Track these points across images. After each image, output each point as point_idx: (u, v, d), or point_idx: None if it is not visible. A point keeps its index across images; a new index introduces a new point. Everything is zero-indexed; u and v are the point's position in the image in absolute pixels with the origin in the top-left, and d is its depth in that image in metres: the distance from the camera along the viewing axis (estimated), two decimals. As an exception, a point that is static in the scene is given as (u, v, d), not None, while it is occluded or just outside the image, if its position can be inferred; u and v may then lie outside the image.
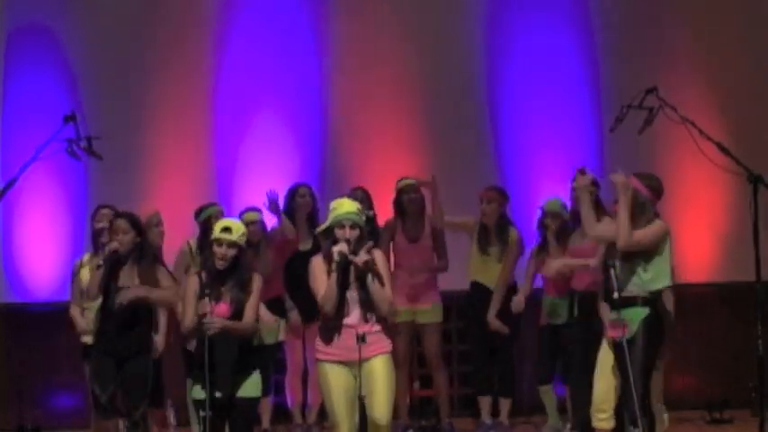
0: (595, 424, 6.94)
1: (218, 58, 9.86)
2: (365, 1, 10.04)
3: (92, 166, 9.04)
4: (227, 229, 6.66)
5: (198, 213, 8.28)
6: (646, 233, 6.68)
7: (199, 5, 9.92)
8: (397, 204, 8.68)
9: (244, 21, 9.91)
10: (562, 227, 8.33)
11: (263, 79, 9.86)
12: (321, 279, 6.43)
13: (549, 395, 8.56)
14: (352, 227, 6.42)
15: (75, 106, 8.81)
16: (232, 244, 6.65)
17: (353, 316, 6.46)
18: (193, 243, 8.18)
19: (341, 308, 6.42)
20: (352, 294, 6.44)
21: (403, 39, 9.95)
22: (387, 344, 6.57)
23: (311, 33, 9.95)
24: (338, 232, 6.40)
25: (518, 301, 8.48)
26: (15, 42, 9.76)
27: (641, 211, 6.74)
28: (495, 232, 8.64)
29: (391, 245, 8.64)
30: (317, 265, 6.49)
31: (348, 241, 6.36)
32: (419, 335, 8.76)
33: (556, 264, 7.75)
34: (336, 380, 6.49)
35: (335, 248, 6.35)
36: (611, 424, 6.92)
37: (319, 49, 9.94)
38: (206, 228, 8.07)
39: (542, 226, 8.43)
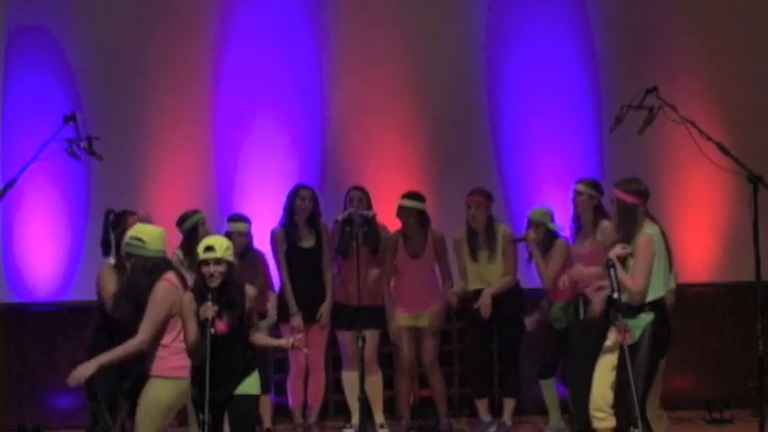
0: (595, 425, 6.95)
1: (217, 59, 9.85)
2: (365, 3, 10.03)
3: (92, 166, 9.04)
4: (210, 248, 6.67)
5: (181, 221, 8.22)
6: (640, 270, 6.64)
7: (199, 7, 9.92)
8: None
9: (244, 22, 9.91)
10: (544, 236, 8.35)
11: (263, 80, 9.86)
12: None
13: (549, 390, 8.57)
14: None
15: (76, 106, 8.81)
16: (218, 261, 6.65)
17: None
18: (180, 253, 8.12)
19: None
20: None
21: (402, 41, 9.94)
22: None
23: (311, 36, 9.94)
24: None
25: (532, 321, 8.55)
26: (15, 42, 9.75)
27: (631, 219, 6.72)
28: (483, 236, 8.63)
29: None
30: None
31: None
32: (417, 338, 8.77)
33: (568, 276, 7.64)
34: None
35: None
36: (611, 423, 6.93)
37: (319, 52, 9.93)
38: (192, 236, 8.04)
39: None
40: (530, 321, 8.58)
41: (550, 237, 8.40)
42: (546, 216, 8.42)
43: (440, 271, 8.69)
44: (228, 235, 8.12)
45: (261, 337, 6.89)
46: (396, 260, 8.65)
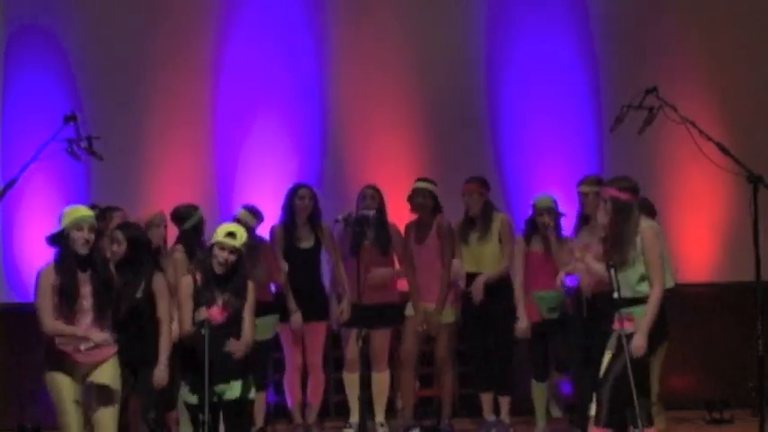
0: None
1: (217, 60, 9.86)
2: (366, 3, 10.03)
3: (92, 166, 9.04)
4: (231, 234, 6.67)
5: (181, 219, 8.06)
6: (656, 265, 6.60)
7: (199, 7, 9.92)
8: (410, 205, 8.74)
9: (244, 22, 9.91)
10: (557, 223, 8.33)
11: (263, 79, 9.86)
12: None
13: (539, 392, 8.56)
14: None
15: (76, 106, 8.82)
16: (234, 250, 6.67)
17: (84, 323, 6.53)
18: (181, 248, 8.06)
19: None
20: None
21: (403, 40, 9.95)
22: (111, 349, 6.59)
23: (311, 35, 9.95)
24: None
25: (523, 330, 8.48)
26: (16, 42, 9.76)
27: (627, 216, 6.66)
28: (479, 222, 8.63)
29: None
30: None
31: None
32: (430, 334, 8.76)
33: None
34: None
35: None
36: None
37: (319, 50, 9.94)
38: (194, 235, 8.00)
39: (535, 222, 8.40)
40: (519, 330, 8.52)
41: (559, 224, 8.38)
42: (554, 204, 8.39)
43: (441, 257, 8.67)
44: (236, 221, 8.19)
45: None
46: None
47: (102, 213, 7.75)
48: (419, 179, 8.73)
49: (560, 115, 9.96)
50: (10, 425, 9.19)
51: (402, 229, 8.75)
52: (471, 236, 8.64)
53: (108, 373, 6.57)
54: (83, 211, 6.63)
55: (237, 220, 8.12)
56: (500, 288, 8.57)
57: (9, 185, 7.53)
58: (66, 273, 6.50)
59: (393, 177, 9.00)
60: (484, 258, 8.63)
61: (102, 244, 6.92)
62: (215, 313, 6.65)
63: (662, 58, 9.86)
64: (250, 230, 8.31)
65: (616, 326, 6.62)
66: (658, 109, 7.58)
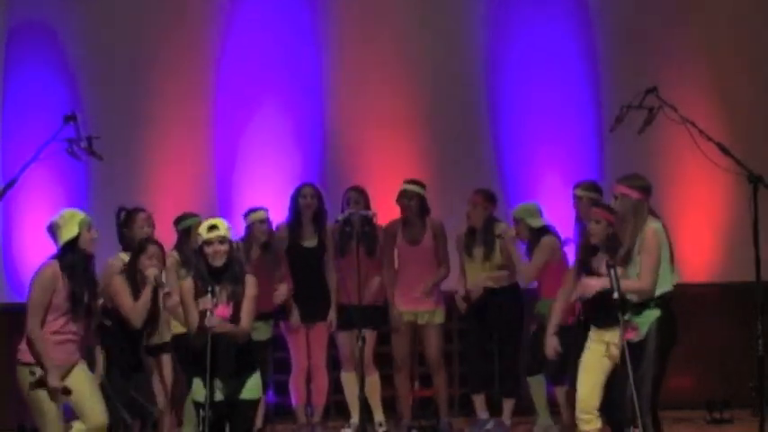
0: (582, 427, 6.94)
1: (218, 58, 9.86)
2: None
3: (92, 166, 9.03)
4: (213, 227, 6.68)
5: (178, 221, 8.22)
6: (648, 266, 6.55)
7: (199, 4, 9.92)
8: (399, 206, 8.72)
9: (244, 18, 9.91)
10: (529, 233, 8.35)
11: (264, 78, 9.86)
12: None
13: (537, 388, 8.55)
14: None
15: (76, 106, 8.81)
16: (222, 239, 6.66)
17: None
18: (175, 254, 8.07)
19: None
20: None
21: (404, 36, 9.96)
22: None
23: (312, 29, 9.96)
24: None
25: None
26: (16, 41, 9.76)
27: (636, 215, 6.63)
28: (480, 234, 8.63)
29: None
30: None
31: None
32: (420, 336, 8.76)
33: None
34: None
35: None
36: (597, 425, 6.92)
37: (320, 46, 9.94)
38: (185, 237, 8.07)
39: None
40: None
41: (535, 233, 8.38)
42: (526, 212, 8.41)
43: (436, 257, 8.67)
44: (249, 228, 8.25)
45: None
46: (397, 248, 8.67)
47: (129, 215, 7.78)
48: (407, 180, 8.71)
49: (560, 115, 9.97)
50: (10, 425, 9.19)
51: (384, 228, 8.71)
52: (476, 251, 8.63)
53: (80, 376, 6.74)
54: (80, 212, 6.77)
55: (260, 221, 8.31)
56: (506, 294, 8.58)
57: (9, 185, 7.53)
58: (80, 277, 6.67)
59: (394, 173, 8.99)
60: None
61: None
62: (222, 312, 6.64)
63: (662, 58, 9.86)
64: (266, 223, 8.39)
65: (622, 335, 6.49)
66: (658, 109, 7.57)
